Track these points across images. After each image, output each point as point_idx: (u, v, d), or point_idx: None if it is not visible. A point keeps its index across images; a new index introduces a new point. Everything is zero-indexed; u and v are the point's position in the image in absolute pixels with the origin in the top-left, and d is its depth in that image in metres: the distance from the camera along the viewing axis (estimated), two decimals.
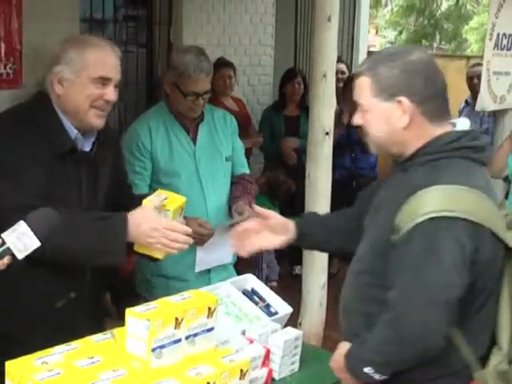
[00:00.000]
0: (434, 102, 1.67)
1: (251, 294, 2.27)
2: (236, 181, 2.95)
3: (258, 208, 2.07)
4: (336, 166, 3.65)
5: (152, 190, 2.59)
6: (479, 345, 1.64)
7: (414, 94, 1.64)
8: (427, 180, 1.58)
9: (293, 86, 5.34)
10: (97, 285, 2.20)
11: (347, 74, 5.60)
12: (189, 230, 2.01)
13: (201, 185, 2.79)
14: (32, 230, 1.54)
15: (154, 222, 1.96)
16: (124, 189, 2.35)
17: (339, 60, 4.69)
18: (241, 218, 2.66)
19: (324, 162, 3.32)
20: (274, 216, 2.02)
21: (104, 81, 2.02)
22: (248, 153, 4.88)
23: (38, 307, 2.01)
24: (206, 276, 2.82)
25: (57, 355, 1.63)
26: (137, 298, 2.74)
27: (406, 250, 1.56)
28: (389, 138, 1.70)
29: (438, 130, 1.67)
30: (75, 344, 1.70)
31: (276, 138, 5.28)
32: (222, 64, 5.00)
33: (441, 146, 1.64)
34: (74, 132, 2.05)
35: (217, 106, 3.19)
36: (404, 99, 1.64)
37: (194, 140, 2.83)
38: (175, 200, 2.16)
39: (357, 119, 1.75)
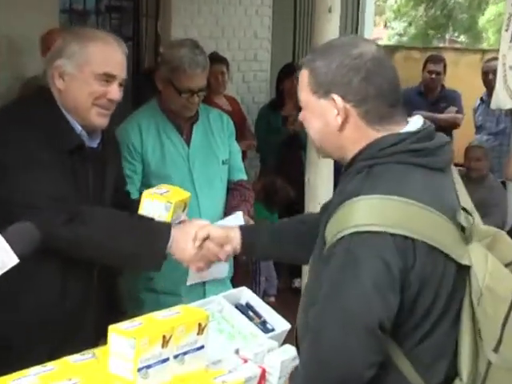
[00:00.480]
0: (374, 103, 1.59)
1: (246, 309, 2.28)
2: (233, 188, 2.96)
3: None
4: (338, 171, 3.66)
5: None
6: (433, 372, 1.56)
7: (350, 92, 1.58)
8: (355, 189, 1.53)
9: (291, 82, 5.33)
10: (105, 289, 2.32)
11: None
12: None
13: (195, 190, 2.80)
14: (10, 245, 1.55)
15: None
16: (122, 195, 2.42)
17: None
18: None
19: (325, 166, 3.33)
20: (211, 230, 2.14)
21: (108, 78, 2.07)
22: (243, 156, 4.89)
23: (40, 310, 2.07)
24: (201, 290, 2.82)
25: (32, 377, 1.63)
26: (120, 315, 2.75)
27: (327, 268, 1.52)
28: (326, 139, 1.67)
29: (380, 134, 1.60)
30: (51, 365, 1.70)
31: (273, 138, 5.30)
32: (214, 59, 5.00)
33: (377, 150, 1.57)
34: (78, 128, 2.11)
35: (208, 105, 3.20)
36: (337, 97, 1.59)
37: (188, 141, 2.85)
38: (178, 194, 2.22)
39: (300, 116, 1.73)
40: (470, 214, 1.55)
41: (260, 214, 4.60)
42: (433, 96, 5.96)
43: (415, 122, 1.64)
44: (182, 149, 2.82)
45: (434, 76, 5.92)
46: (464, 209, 1.55)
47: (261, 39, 6.69)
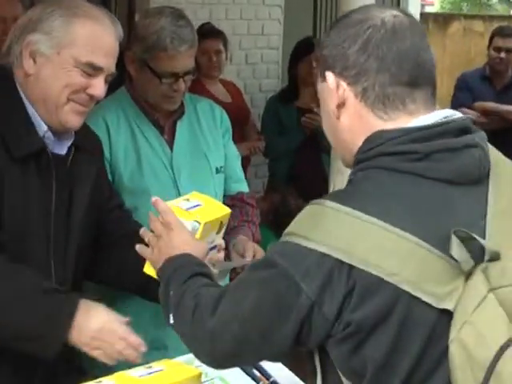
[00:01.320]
0: (375, 79, 1.59)
1: (249, 367, 2.30)
2: (231, 204, 2.96)
3: None
4: None
5: None
6: None
7: (346, 67, 1.61)
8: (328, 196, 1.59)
9: (309, 64, 5.33)
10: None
11: None
12: (142, 346, 2.14)
13: None
14: None
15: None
16: (106, 214, 2.42)
17: None
18: (243, 260, 2.67)
19: None
20: None
21: (92, 70, 2.09)
22: (246, 162, 4.91)
23: None
24: None
25: None
26: (82, 376, 2.77)
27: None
28: (332, 137, 1.71)
29: (385, 125, 1.59)
30: None
31: (286, 139, 5.32)
32: (207, 33, 5.05)
33: (367, 150, 1.59)
34: (43, 128, 2.11)
35: (199, 95, 3.23)
36: (329, 74, 1.63)
37: (171, 143, 2.85)
38: (213, 210, 2.21)
39: None
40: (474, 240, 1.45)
41: (267, 240, 4.59)
42: (502, 82, 5.98)
43: (437, 115, 1.61)
44: (164, 153, 2.83)
45: (503, 55, 5.92)
46: (470, 236, 1.45)
47: (270, 6, 6.71)
